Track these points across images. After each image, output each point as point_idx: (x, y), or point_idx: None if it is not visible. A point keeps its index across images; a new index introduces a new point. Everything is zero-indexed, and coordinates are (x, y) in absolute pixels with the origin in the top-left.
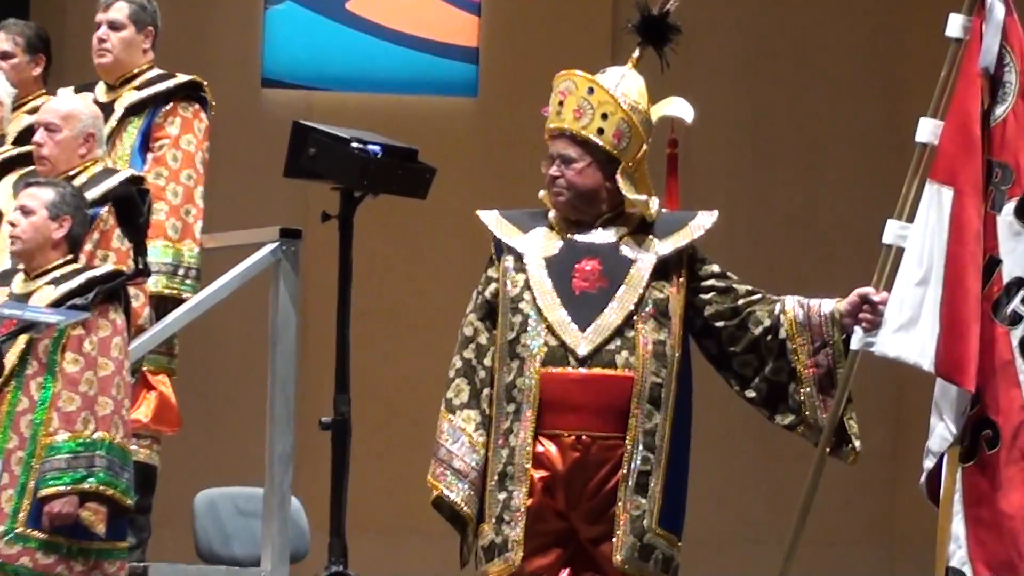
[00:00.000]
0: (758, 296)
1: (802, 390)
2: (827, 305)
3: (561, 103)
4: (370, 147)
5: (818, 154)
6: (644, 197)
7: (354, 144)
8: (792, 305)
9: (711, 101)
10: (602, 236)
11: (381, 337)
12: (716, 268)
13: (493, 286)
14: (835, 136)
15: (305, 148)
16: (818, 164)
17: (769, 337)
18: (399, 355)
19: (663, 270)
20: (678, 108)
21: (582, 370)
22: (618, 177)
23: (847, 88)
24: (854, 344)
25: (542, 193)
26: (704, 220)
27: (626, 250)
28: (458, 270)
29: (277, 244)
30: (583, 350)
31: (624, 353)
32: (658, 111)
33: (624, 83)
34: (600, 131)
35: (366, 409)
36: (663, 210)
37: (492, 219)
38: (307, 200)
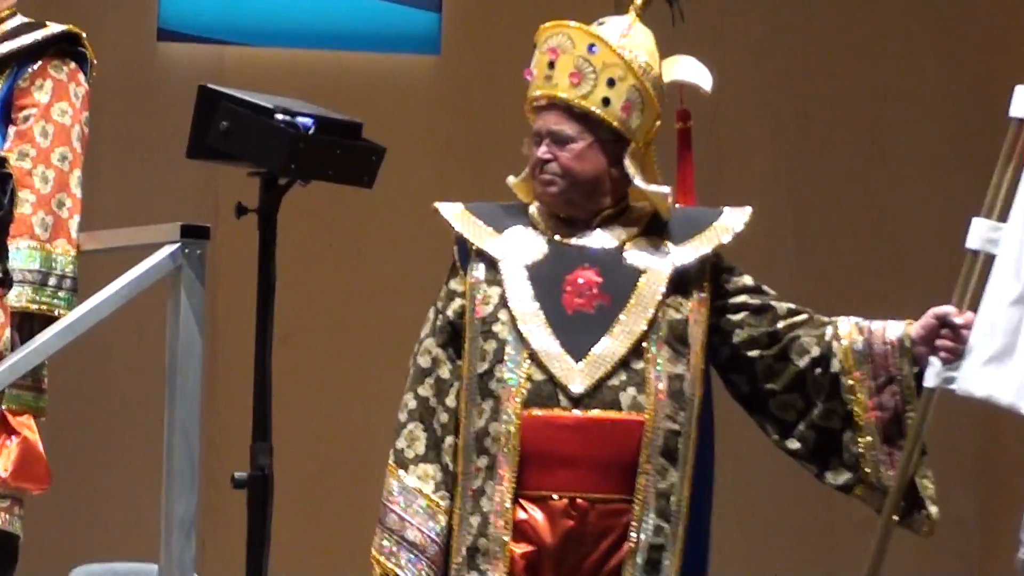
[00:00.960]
0: (803, 317)
1: (861, 440)
2: (894, 329)
3: (552, 64)
4: (300, 119)
5: (882, 135)
6: (664, 189)
7: (279, 116)
8: (848, 329)
9: (745, 70)
10: (601, 239)
11: (312, 368)
12: (748, 281)
13: (458, 303)
14: (903, 113)
15: (214, 121)
16: (882, 148)
17: (818, 371)
18: (335, 391)
19: (681, 284)
20: (690, 70)
21: (576, 412)
22: (626, 161)
23: (918, 52)
24: (929, 380)
25: (512, 179)
26: (733, 220)
27: (633, 257)
28: (414, 280)
29: (178, 246)
30: (578, 387)
31: (631, 391)
32: (664, 74)
33: (632, 37)
34: (606, 101)
35: (292, 461)
36: (676, 205)
37: (456, 214)
38: (217, 189)
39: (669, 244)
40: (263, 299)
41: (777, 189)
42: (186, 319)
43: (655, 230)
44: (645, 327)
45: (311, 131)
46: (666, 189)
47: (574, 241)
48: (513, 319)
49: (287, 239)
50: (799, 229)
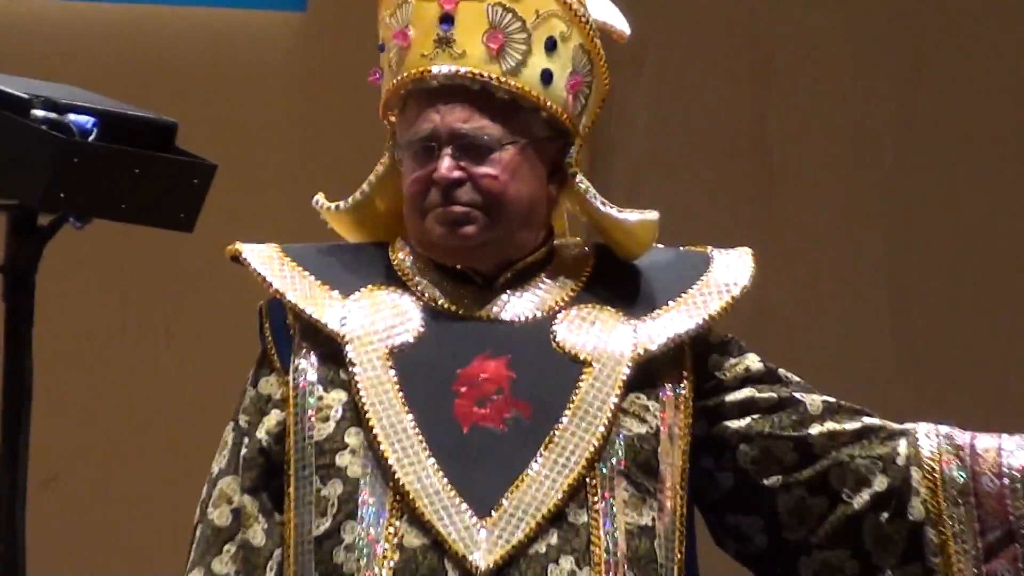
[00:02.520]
0: (854, 424)
1: None
2: (1015, 451)
3: (446, 19)
4: (74, 118)
5: (973, 151)
6: (652, 216)
7: (39, 111)
8: (936, 447)
9: (792, 67)
10: (517, 305)
11: (81, 523)
12: (755, 363)
13: (274, 418)
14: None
15: None
16: (975, 167)
17: (884, 515)
18: (104, 535)
19: (647, 377)
20: (600, 6)
21: None
22: (574, 172)
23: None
24: None
25: (327, 204)
26: (731, 271)
27: (569, 335)
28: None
29: None
30: (481, 559)
31: (567, 562)
32: None
33: None
34: (546, 77)
35: None
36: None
37: (269, 261)
38: None
39: (627, 310)
40: (10, 419)
41: (828, 222)
42: None
43: (602, 286)
44: (590, 453)
45: (91, 136)
46: (653, 215)
47: (473, 309)
48: (371, 443)
49: (54, 317)
50: (853, 277)
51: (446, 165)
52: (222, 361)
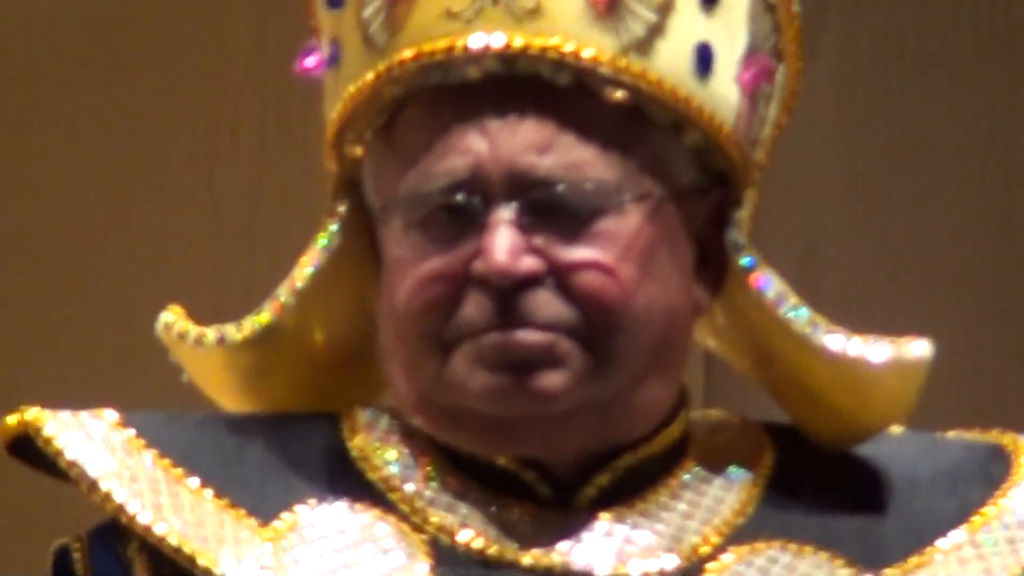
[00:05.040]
0: None
1: None
2: None
3: None
4: None
5: None
6: (914, 352)
7: None
8: None
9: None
10: (627, 539)
11: None
12: None
13: None
14: None
15: None
16: None
17: None
18: None
19: None
20: None
21: None
22: (747, 254)
23: None
24: None
25: (170, 330)
26: None
27: None
28: None
29: None
30: None
31: None
32: None
33: None
34: (703, 59)
35: None
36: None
37: (105, 453)
38: None
39: (853, 554)
40: None
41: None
42: None
43: (796, 503)
44: None
45: None
46: (923, 349)
47: (534, 551)
48: None
49: None
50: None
51: (507, 243)
52: None
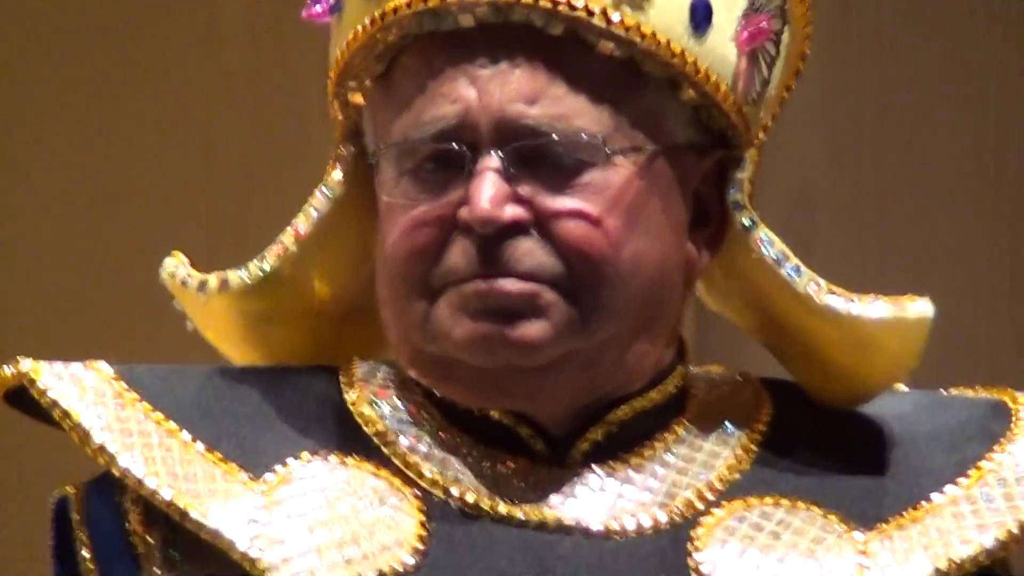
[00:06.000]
0: None
1: None
2: None
3: None
4: None
5: None
6: (917, 310)
7: None
8: None
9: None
10: (621, 495)
11: None
12: None
13: None
14: None
15: None
16: None
17: None
18: None
19: None
20: None
21: None
22: (748, 214)
23: None
24: None
25: (175, 277)
26: None
27: (727, 562)
28: None
29: None
30: None
31: None
32: None
33: None
34: (701, 16)
35: None
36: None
37: (96, 405)
38: None
39: (847, 511)
40: None
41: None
42: None
43: (792, 460)
44: None
45: None
46: (924, 308)
47: (527, 506)
48: None
49: None
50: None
51: (491, 191)
52: None
